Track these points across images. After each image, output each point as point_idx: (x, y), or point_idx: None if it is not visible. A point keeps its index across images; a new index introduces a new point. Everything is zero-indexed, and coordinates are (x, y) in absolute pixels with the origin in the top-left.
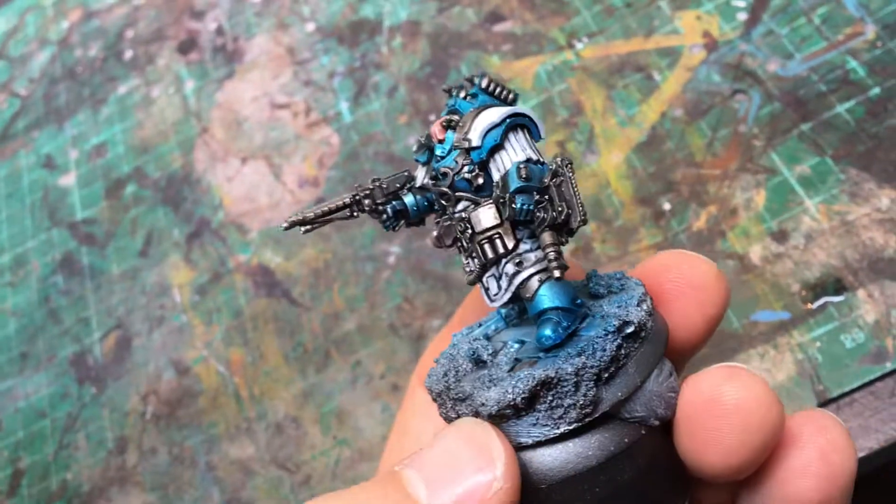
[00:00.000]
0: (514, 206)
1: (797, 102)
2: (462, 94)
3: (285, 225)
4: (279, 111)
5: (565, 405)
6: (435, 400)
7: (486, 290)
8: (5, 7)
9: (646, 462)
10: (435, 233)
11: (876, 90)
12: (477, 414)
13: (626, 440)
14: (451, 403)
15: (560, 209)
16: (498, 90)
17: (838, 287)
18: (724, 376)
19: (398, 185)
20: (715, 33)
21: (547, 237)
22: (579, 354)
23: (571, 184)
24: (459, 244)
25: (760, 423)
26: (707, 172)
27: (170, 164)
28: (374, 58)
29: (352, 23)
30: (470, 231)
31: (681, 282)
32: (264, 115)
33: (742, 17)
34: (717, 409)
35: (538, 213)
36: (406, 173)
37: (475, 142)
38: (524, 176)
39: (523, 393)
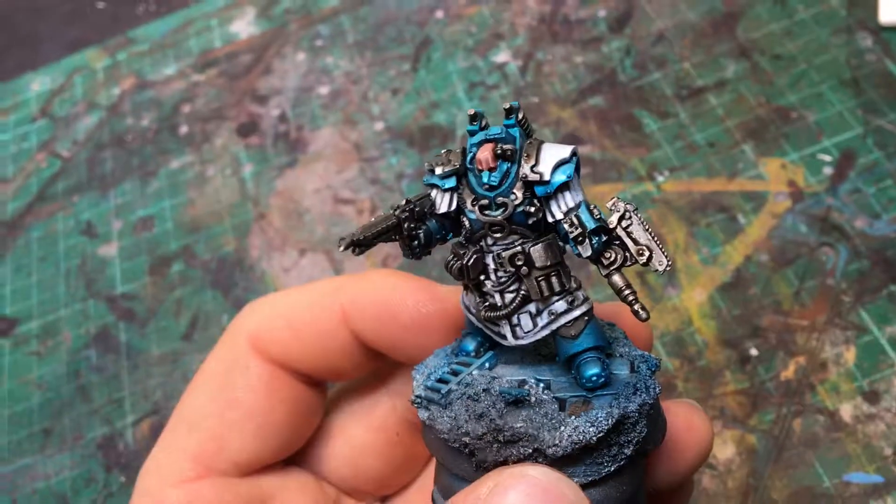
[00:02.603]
0: (592, 245)
1: (886, 262)
2: (483, 123)
3: (341, 247)
4: (343, 206)
5: (621, 442)
6: (467, 445)
7: (514, 326)
8: (52, 65)
9: (640, 484)
10: (456, 263)
11: None
12: (535, 458)
13: (641, 470)
14: (497, 446)
15: (640, 251)
16: (527, 126)
17: None
18: (691, 409)
19: (425, 210)
20: (800, 183)
21: (618, 279)
22: (635, 392)
23: (644, 226)
24: (486, 277)
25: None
26: (795, 322)
27: (222, 247)
28: None
29: (423, 127)
30: (526, 267)
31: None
32: (327, 208)
33: (828, 171)
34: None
35: (607, 255)
36: (429, 197)
37: (546, 176)
38: (597, 216)
39: (600, 433)
